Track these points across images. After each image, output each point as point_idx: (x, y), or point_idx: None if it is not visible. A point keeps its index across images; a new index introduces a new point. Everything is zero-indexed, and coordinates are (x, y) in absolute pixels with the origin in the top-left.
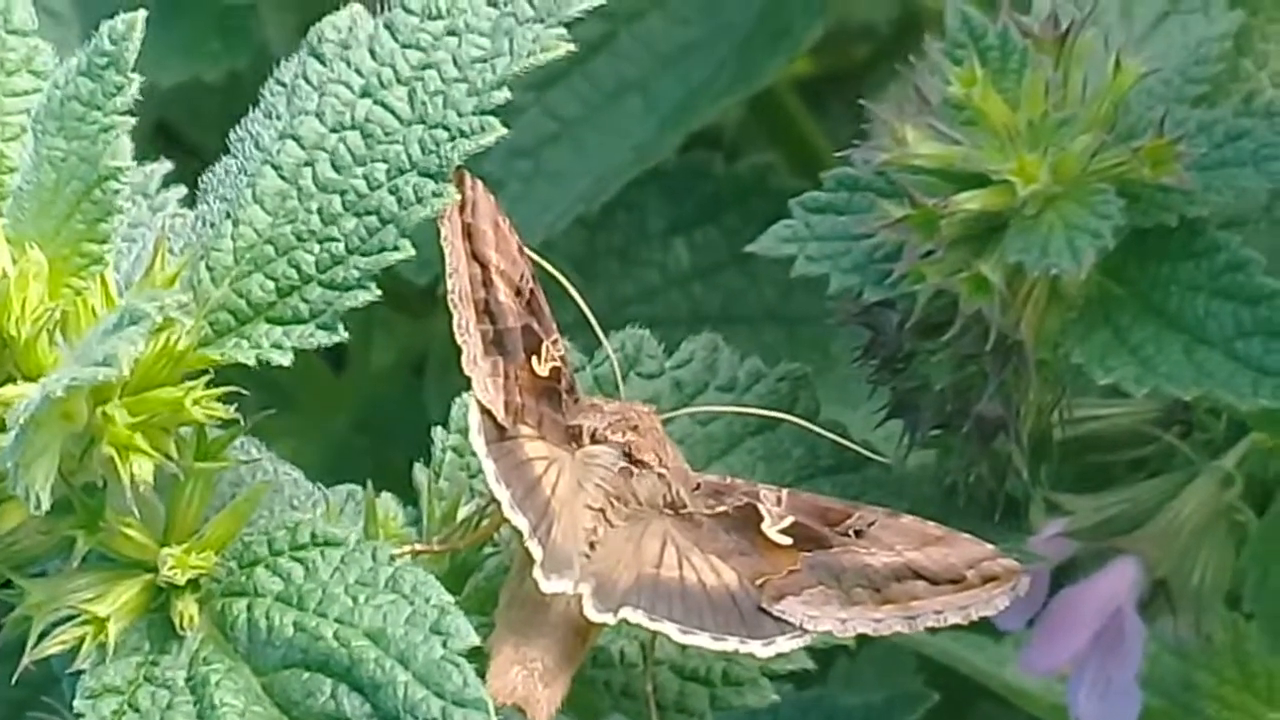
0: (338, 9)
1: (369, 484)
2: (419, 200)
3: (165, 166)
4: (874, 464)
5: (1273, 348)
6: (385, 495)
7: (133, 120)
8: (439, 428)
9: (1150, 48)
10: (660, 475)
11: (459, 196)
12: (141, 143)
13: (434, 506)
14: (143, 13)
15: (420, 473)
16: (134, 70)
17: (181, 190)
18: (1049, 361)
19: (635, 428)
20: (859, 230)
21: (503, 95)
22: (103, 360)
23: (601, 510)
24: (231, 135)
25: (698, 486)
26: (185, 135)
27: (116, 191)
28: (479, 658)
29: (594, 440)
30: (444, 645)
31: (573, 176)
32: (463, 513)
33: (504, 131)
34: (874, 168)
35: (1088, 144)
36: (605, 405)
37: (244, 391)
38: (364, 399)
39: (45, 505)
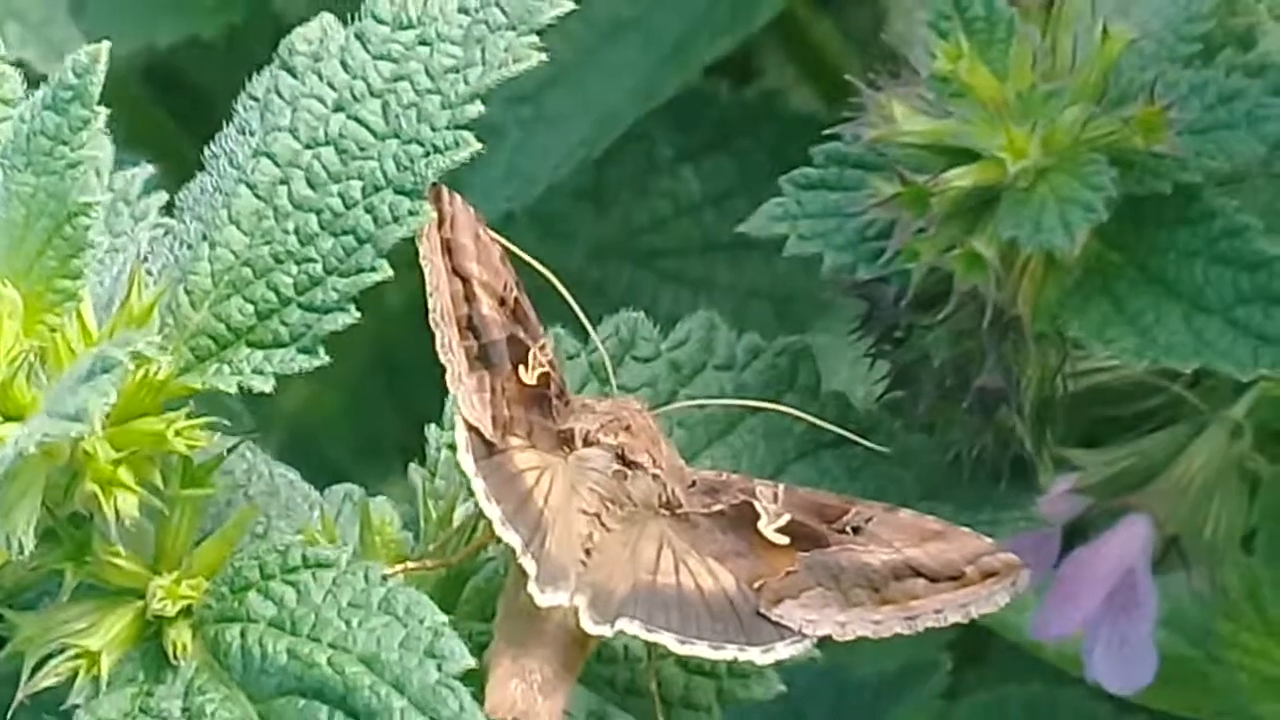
0: None
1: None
2: (395, 219)
3: (146, 171)
4: (878, 434)
5: (1273, 314)
6: (379, 500)
7: (100, 154)
8: (433, 425)
9: (1141, 6)
10: (655, 476)
11: (436, 213)
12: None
13: (430, 508)
14: (106, 44)
15: (415, 473)
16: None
17: (163, 197)
18: (1048, 333)
19: (628, 428)
20: (850, 208)
21: (476, 109)
22: (74, 414)
23: (596, 515)
24: (206, 152)
25: (693, 483)
26: (189, 78)
27: (87, 227)
28: (474, 679)
29: (586, 443)
30: (439, 669)
31: (574, 119)
32: (460, 511)
33: (478, 147)
34: (863, 145)
35: (1077, 115)
36: (597, 405)
37: None
38: (378, 340)
39: (29, 549)
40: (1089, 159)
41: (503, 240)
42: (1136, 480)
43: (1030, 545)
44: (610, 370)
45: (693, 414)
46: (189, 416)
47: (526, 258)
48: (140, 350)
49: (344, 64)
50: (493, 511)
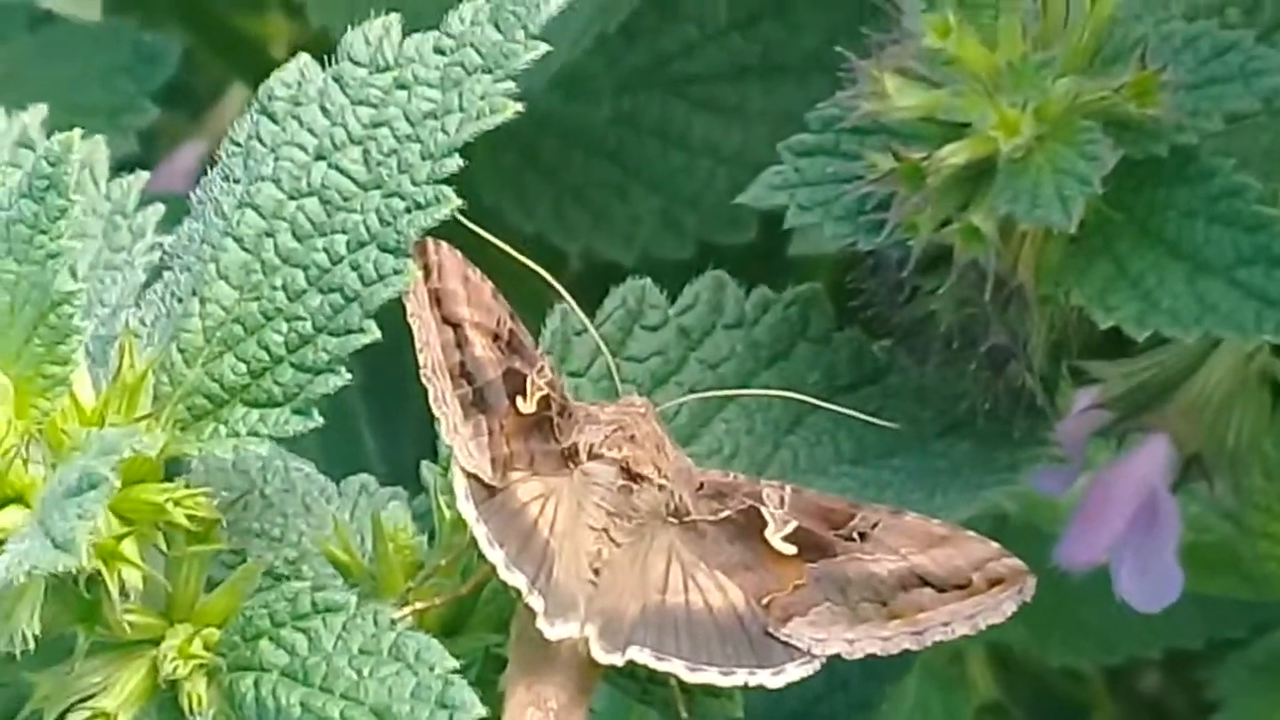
0: None
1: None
2: (381, 278)
3: (142, 178)
4: (893, 374)
5: (1274, 276)
6: (393, 505)
7: (79, 245)
8: None
9: None
10: (660, 486)
11: (421, 270)
12: None
13: (444, 508)
14: (78, 131)
15: (428, 470)
16: None
17: (159, 209)
18: (1052, 296)
19: (632, 437)
20: (848, 175)
21: (455, 163)
22: (62, 544)
23: (604, 530)
24: (192, 198)
25: (700, 486)
26: None
27: (71, 315)
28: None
29: (591, 456)
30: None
31: None
32: None
33: (458, 203)
34: (856, 120)
35: (1069, 87)
36: (601, 413)
37: None
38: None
39: (32, 640)
40: (1083, 127)
41: (504, 247)
42: (1157, 391)
43: (1052, 478)
44: (611, 362)
45: (704, 378)
46: (189, 485)
47: (528, 262)
48: (130, 452)
49: (323, 109)
50: (496, 555)
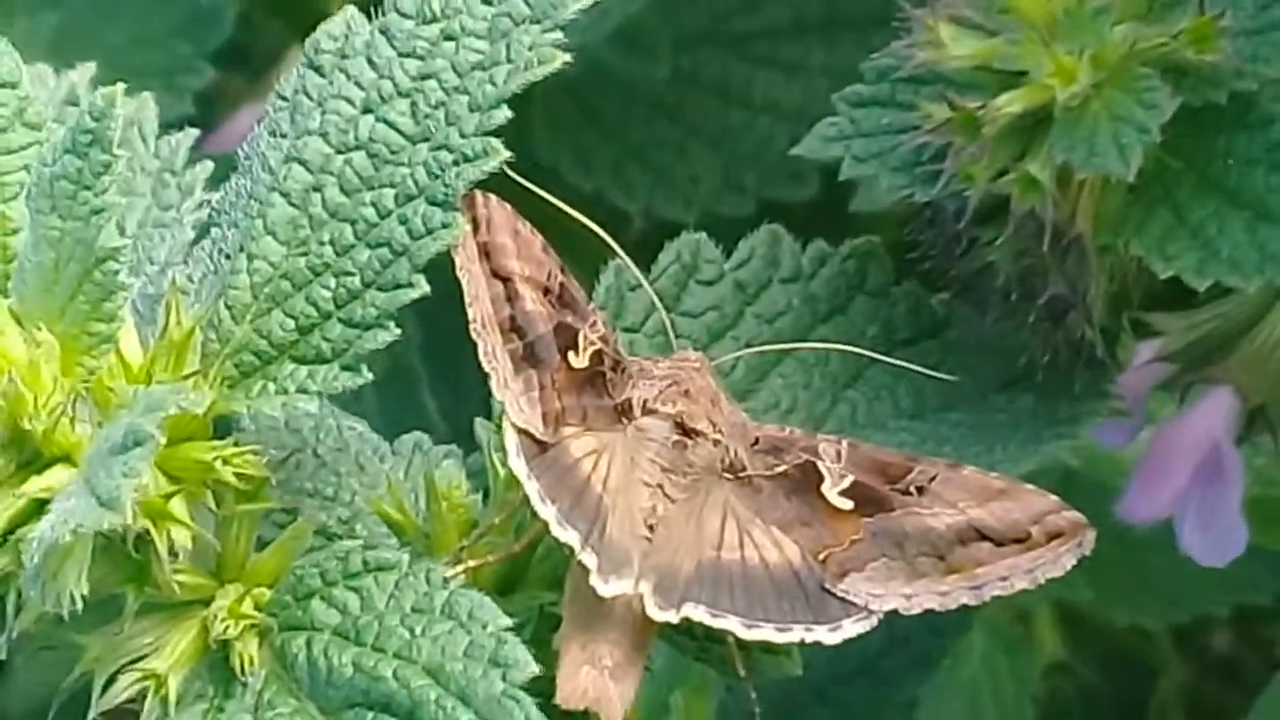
0: None
1: None
2: (429, 232)
3: (191, 135)
4: (952, 327)
5: None
6: (447, 464)
7: (125, 201)
8: None
9: None
10: (715, 441)
11: (470, 223)
12: None
13: (497, 465)
14: (121, 86)
15: (481, 427)
16: None
17: (208, 166)
18: (1111, 246)
19: (686, 392)
20: (904, 126)
21: (503, 114)
22: (108, 502)
23: (659, 485)
24: (238, 153)
25: (756, 441)
26: None
27: (116, 272)
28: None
29: (645, 412)
30: (503, 679)
31: None
32: None
33: (507, 155)
34: (911, 70)
35: (1126, 33)
36: (655, 367)
37: None
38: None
39: (80, 604)
40: (1141, 74)
41: (558, 204)
42: (1220, 343)
43: (1115, 432)
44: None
45: (761, 332)
46: (237, 443)
47: (581, 217)
48: (176, 409)
49: (370, 61)
50: (548, 512)
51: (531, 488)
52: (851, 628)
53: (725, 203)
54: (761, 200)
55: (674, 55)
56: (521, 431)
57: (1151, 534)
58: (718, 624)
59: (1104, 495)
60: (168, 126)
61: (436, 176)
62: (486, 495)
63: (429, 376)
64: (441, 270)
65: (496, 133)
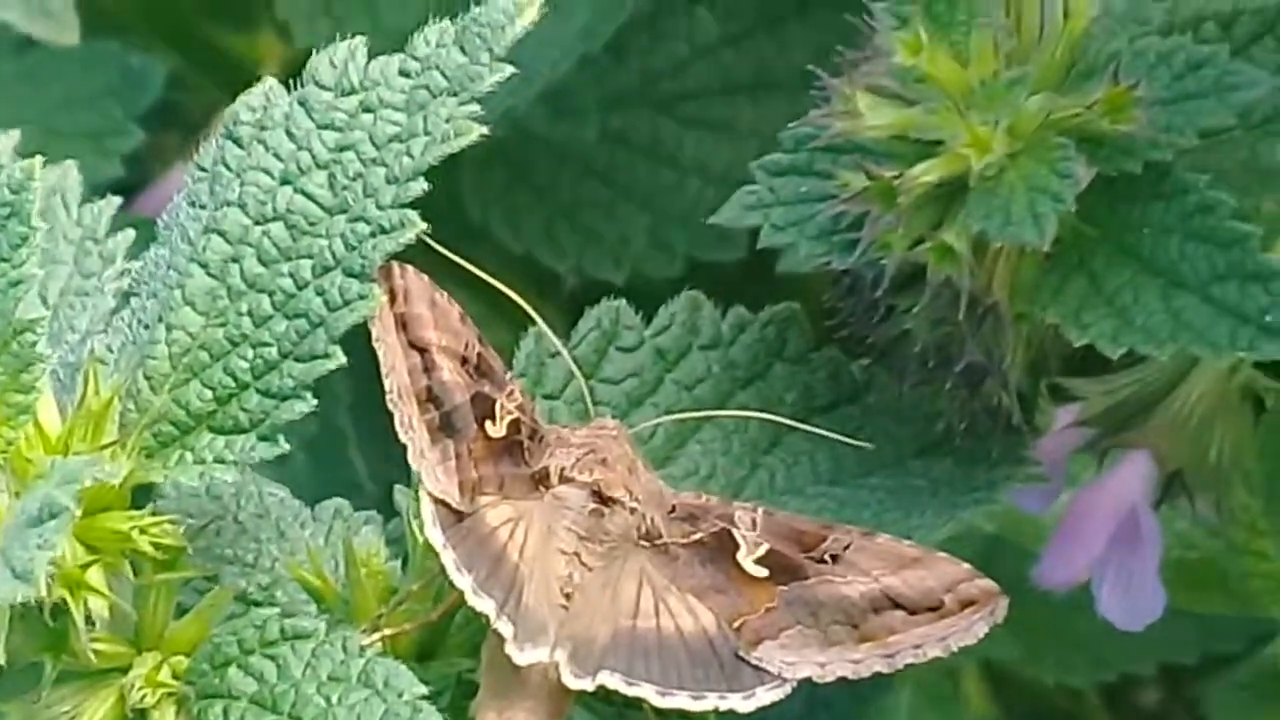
0: None
1: None
2: (346, 303)
3: (114, 204)
4: (871, 393)
5: (1249, 292)
6: (366, 530)
7: (43, 273)
8: None
9: None
10: (632, 509)
11: (387, 294)
12: None
13: (416, 533)
14: (39, 159)
15: (401, 494)
16: None
17: (130, 235)
18: (1027, 314)
19: (604, 461)
20: (822, 194)
21: (420, 186)
22: (21, 575)
23: (576, 554)
24: (158, 223)
25: (672, 509)
26: None
27: (34, 344)
28: None
29: (562, 480)
30: None
31: (574, 7)
32: None
33: (423, 226)
34: (829, 139)
35: (1041, 104)
36: (573, 436)
37: None
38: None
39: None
40: (1056, 144)
41: (479, 272)
42: (1137, 408)
43: (1034, 496)
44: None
45: (680, 399)
46: (155, 513)
47: (501, 287)
48: (92, 480)
49: (289, 133)
50: (464, 581)
51: (448, 557)
52: (765, 695)
53: (654, 263)
54: (691, 260)
55: (603, 116)
56: (438, 501)
57: (1075, 596)
58: (633, 692)
59: (1025, 560)
60: (96, 189)
61: (353, 248)
62: (406, 562)
63: (358, 438)
64: (369, 332)
65: (414, 204)
